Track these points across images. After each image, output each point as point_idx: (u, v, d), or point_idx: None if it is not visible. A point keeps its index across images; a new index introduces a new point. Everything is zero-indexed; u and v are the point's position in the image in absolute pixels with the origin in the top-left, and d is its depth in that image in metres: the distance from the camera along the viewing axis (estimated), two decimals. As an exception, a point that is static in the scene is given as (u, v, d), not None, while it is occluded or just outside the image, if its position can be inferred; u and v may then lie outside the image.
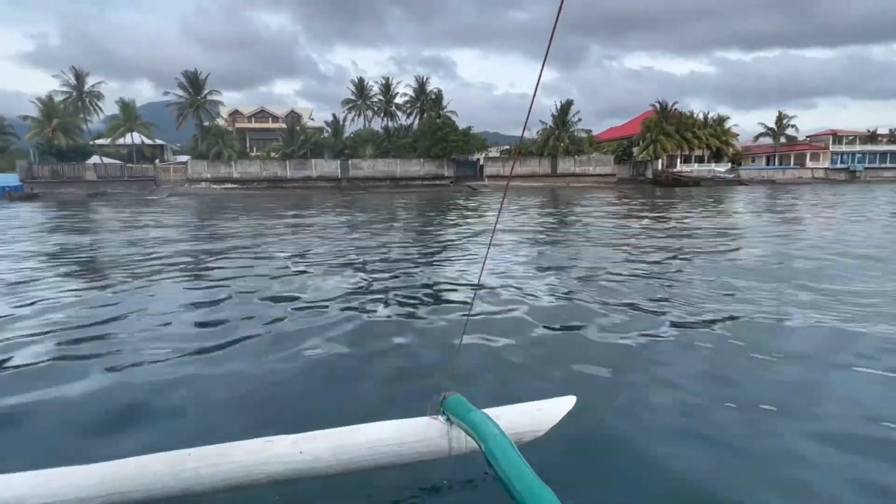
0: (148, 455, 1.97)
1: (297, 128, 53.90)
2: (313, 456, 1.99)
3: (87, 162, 50.42)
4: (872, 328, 4.47)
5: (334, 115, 57.31)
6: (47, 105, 48.53)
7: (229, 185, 51.79)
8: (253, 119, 59.14)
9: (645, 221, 16.17)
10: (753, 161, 72.54)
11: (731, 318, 4.86)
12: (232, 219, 19.55)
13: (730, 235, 12.02)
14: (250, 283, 6.81)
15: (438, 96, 60.75)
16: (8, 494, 1.82)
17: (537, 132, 60.19)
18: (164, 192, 47.17)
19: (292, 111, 62.82)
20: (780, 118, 68.50)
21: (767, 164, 70.11)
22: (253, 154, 55.98)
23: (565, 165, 59.60)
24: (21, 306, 5.72)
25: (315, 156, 54.16)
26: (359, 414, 2.52)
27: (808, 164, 65.66)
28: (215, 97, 53.27)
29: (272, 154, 54.32)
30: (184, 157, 55.32)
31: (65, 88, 49.49)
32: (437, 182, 56.17)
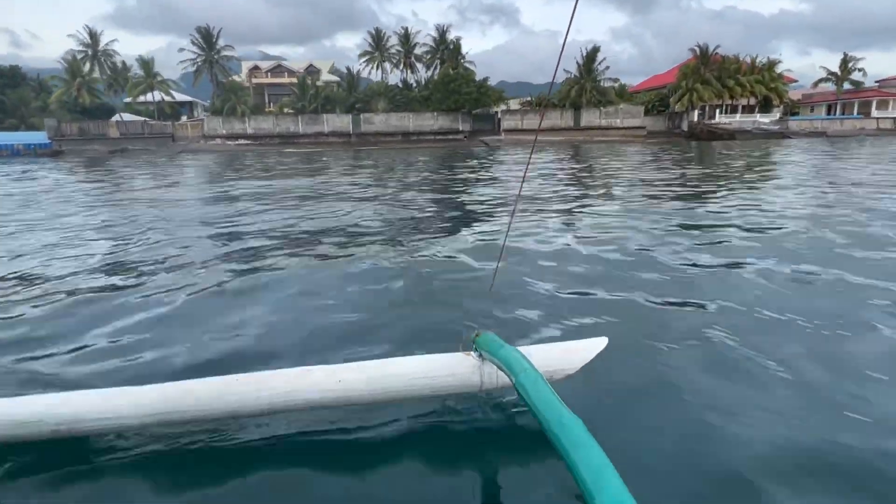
0: (199, 379, 2.14)
1: (308, 82, 53.24)
2: (349, 385, 2.09)
3: (111, 119, 52.37)
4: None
5: (348, 69, 56.18)
6: (72, 64, 50.33)
7: (242, 142, 52.38)
8: (269, 74, 59.01)
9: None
10: (812, 111, 65.25)
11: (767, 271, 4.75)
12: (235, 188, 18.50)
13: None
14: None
15: (457, 46, 58.05)
16: (72, 410, 2.01)
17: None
18: (177, 148, 48.44)
19: (311, 65, 62.19)
20: (844, 61, 60.62)
21: (829, 113, 62.81)
22: (267, 110, 56.15)
23: (590, 118, 55.91)
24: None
25: (328, 111, 53.64)
26: (396, 347, 2.78)
27: (875, 112, 58.16)
28: (229, 52, 53.26)
29: (285, 109, 54.24)
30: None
31: (80, 48, 50.83)
32: (451, 137, 54.32)
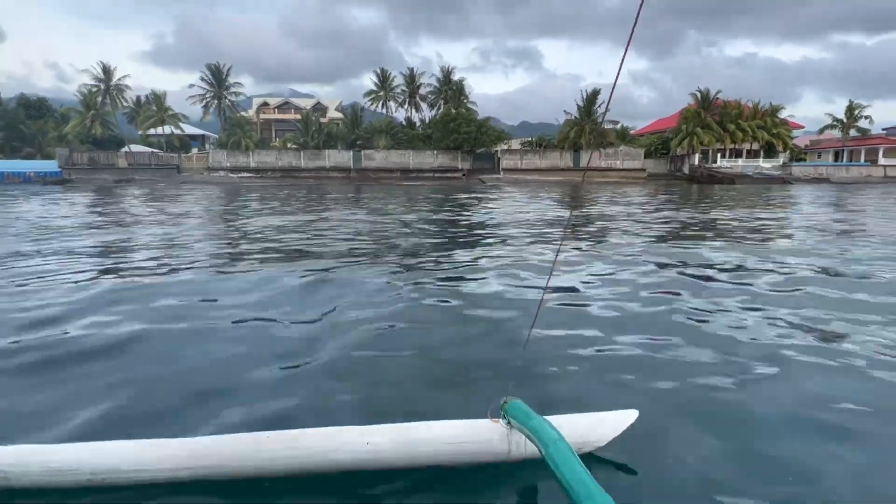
0: (230, 434, 2.16)
1: (312, 118, 54.62)
2: (378, 448, 2.08)
3: (120, 150, 54.17)
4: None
5: (352, 107, 57.61)
6: (87, 97, 52.56)
7: (245, 174, 53.53)
8: (277, 111, 60.77)
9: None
10: (819, 157, 64.60)
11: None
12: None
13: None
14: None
15: (460, 86, 59.31)
16: (104, 461, 2.02)
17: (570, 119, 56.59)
18: (180, 179, 49.67)
19: (318, 103, 63.99)
20: (850, 108, 60.27)
21: (835, 160, 62.08)
22: (272, 144, 57.60)
23: (590, 159, 56.04)
24: None
25: (330, 146, 54.75)
26: (423, 412, 2.56)
27: (882, 160, 57.28)
28: (239, 89, 55.10)
29: (289, 144, 55.54)
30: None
31: (93, 82, 52.94)
32: (449, 174, 54.85)
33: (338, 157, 54.81)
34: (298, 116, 59.47)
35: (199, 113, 57.29)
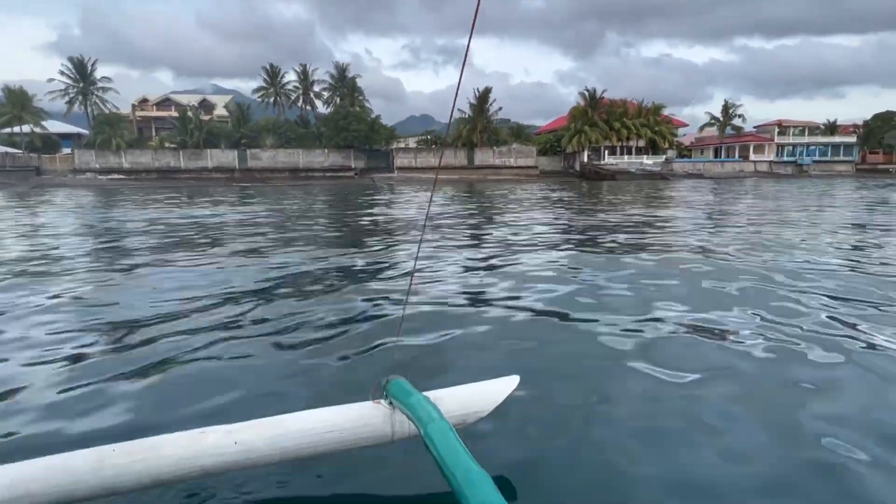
0: (66, 453, 1.83)
1: (191, 115, 51.46)
2: (249, 446, 1.92)
3: (-32, 151, 48.68)
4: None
5: (238, 104, 54.83)
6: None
7: (116, 176, 49.58)
8: (156, 108, 56.82)
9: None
10: (702, 153, 68.50)
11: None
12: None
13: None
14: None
15: (353, 84, 57.93)
16: None
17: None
18: (37, 182, 45.20)
19: (204, 99, 60.51)
20: (726, 107, 64.33)
21: (716, 156, 66.01)
22: (150, 144, 53.80)
23: (484, 157, 56.34)
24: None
25: (213, 146, 51.77)
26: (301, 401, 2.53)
27: (752, 156, 61.44)
28: (106, 84, 50.96)
29: (166, 144, 52.04)
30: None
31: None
32: (341, 174, 53.40)
33: (221, 156, 51.93)
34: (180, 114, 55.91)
35: (75, 110, 52.52)
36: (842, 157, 62.18)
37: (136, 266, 6.86)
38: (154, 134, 56.07)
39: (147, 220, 13.59)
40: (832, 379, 3.10)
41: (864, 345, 3.62)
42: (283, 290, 5.38)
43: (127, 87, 52.81)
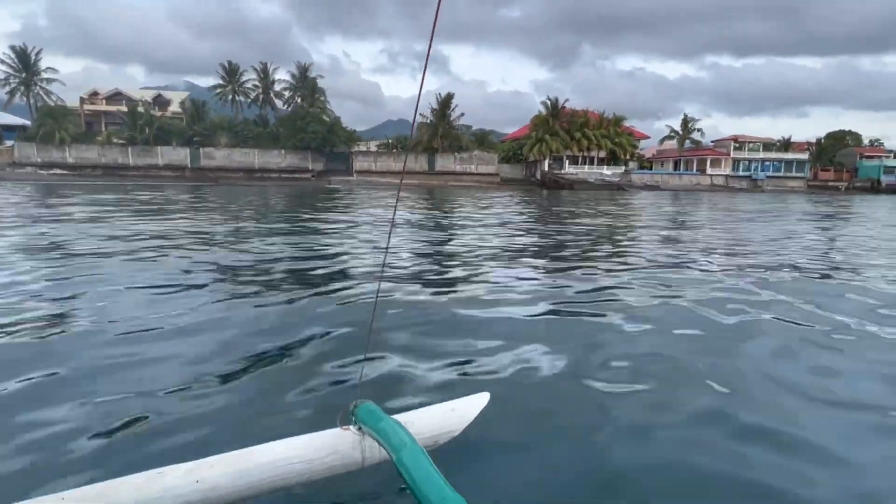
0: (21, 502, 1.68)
1: (140, 110, 49.70)
2: (212, 484, 1.81)
3: None
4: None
5: (193, 101, 53.25)
6: None
7: (59, 171, 47.49)
8: (106, 102, 54.73)
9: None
10: (662, 165, 69.59)
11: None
12: None
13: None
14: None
15: (314, 85, 56.92)
16: None
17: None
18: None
19: (159, 95, 58.61)
20: (685, 121, 65.50)
21: (675, 169, 67.11)
22: (98, 139, 51.73)
23: (445, 163, 55.98)
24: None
25: (164, 143, 50.06)
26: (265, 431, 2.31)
27: (709, 170, 62.64)
28: (51, 75, 48.86)
29: (114, 139, 50.10)
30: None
31: None
32: (297, 175, 52.30)
33: (172, 154, 50.27)
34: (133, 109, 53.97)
35: (16, 101, 50.17)
36: (794, 174, 63.89)
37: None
38: (104, 128, 53.98)
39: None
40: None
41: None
42: (233, 310, 4.74)
43: (97, 81, 50.43)
